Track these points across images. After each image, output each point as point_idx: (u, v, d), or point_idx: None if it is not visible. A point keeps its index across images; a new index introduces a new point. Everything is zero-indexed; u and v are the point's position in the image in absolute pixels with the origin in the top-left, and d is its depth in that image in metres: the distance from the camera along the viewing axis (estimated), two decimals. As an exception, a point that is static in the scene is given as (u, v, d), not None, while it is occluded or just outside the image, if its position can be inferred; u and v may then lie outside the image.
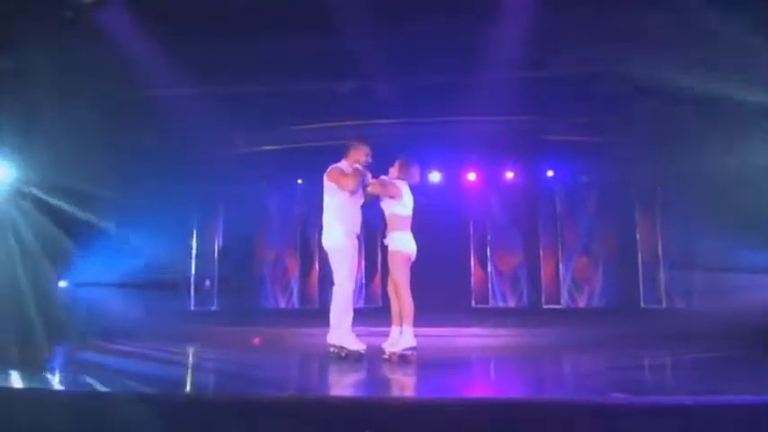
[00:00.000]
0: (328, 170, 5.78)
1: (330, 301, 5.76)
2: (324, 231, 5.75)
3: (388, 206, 5.69)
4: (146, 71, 6.96)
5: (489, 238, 10.65)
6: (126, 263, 8.31)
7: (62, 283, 8.65)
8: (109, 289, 8.39)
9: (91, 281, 8.50)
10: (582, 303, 10.03)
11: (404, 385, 4.82)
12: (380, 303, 9.80)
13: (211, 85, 7.57)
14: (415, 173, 5.86)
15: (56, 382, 4.98)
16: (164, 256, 8.64)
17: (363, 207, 5.86)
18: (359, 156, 5.85)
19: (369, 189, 5.73)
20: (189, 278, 10.16)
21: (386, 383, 4.91)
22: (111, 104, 7.51)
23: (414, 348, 5.52)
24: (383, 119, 8.81)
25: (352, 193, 5.65)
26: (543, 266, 10.33)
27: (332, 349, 5.70)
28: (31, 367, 5.35)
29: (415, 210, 5.77)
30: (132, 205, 8.61)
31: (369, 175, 5.83)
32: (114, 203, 8.43)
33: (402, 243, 5.60)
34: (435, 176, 10.19)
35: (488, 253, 10.61)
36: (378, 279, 10.20)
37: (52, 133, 7.36)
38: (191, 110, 7.63)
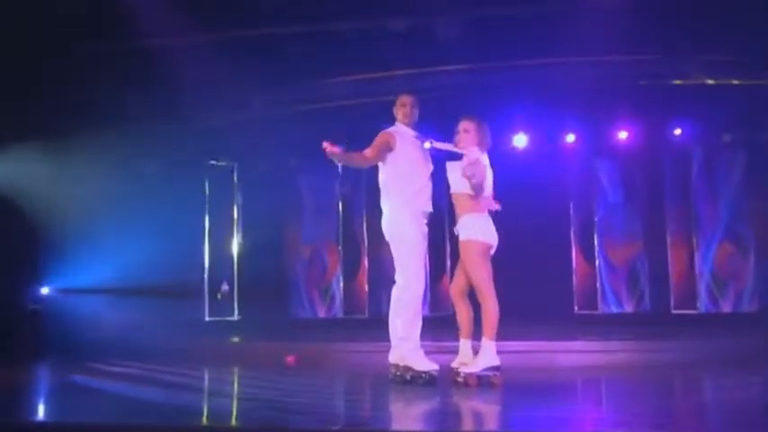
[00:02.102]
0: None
1: (389, 307, 5.86)
2: (384, 216, 5.85)
3: (457, 181, 5.70)
4: (132, 11, 7.17)
5: (596, 220, 10.51)
6: (123, 262, 8.63)
7: (44, 290, 9.08)
8: (103, 296, 8.74)
9: (80, 286, 8.88)
10: (726, 307, 9.80)
11: (486, 417, 4.88)
12: (451, 311, 9.84)
13: (220, 28, 7.72)
14: (490, 136, 5.88)
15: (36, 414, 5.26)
16: (169, 254, 8.91)
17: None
18: (400, 110, 5.96)
19: (472, 180, 5.62)
20: (202, 281, 10.45)
21: (463, 415, 4.98)
22: (92, 59, 7.78)
23: (497, 369, 5.56)
24: (448, 65, 8.79)
25: (368, 164, 5.75)
26: (672, 258, 10.14)
27: (393, 371, 5.80)
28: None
29: (496, 184, 5.79)
30: (127, 190, 8.92)
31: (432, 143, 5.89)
32: (104, 187, 8.76)
33: (478, 229, 5.61)
34: (521, 140, 10.10)
35: (596, 241, 10.48)
36: (446, 279, 10.22)
37: (27, 96, 7.72)
38: (194, 63, 7.80)
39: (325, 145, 5.41)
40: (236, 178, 10.87)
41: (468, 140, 5.75)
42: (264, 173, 10.65)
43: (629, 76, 8.82)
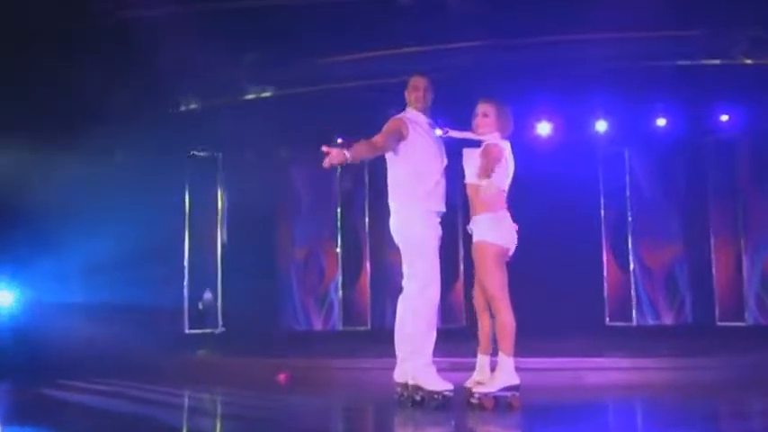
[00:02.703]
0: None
1: (395, 318, 5.82)
2: (392, 214, 5.84)
3: (474, 171, 5.66)
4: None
5: (630, 219, 10.50)
6: (92, 266, 8.62)
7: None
8: (69, 304, 8.73)
9: (44, 293, 8.87)
10: (779, 318, 9.80)
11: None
12: (464, 322, 9.83)
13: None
14: (511, 122, 5.85)
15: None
16: (145, 257, 8.90)
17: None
18: (412, 94, 5.94)
19: (480, 172, 5.57)
20: (181, 288, 10.44)
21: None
22: (58, 34, 7.77)
23: (516, 388, 5.53)
24: (462, 42, 8.76)
25: (377, 153, 5.70)
26: (716, 262, 10.13)
27: (400, 391, 5.78)
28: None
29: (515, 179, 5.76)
30: (97, 183, 8.91)
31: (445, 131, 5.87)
32: (71, 181, 8.75)
33: (493, 229, 5.59)
34: (544, 128, 10.11)
35: (629, 243, 10.47)
36: (459, 285, 10.22)
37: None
38: (174, 39, 7.79)
39: (326, 150, 5.33)
40: (220, 170, 10.85)
41: (488, 125, 5.71)
42: (253, 164, 10.63)
43: (669, 55, 8.78)
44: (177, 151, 10.30)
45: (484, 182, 5.51)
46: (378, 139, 5.67)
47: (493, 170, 5.53)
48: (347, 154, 5.32)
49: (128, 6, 7.58)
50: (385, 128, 5.76)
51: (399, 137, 5.74)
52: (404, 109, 5.98)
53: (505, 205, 5.68)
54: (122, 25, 7.70)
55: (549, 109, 9.98)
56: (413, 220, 5.73)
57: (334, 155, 5.30)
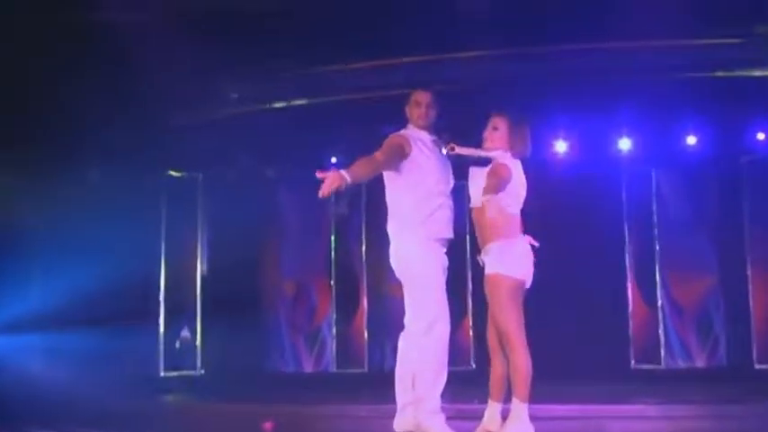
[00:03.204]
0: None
1: (397, 359, 5.77)
2: (392, 243, 5.80)
3: (479, 197, 5.64)
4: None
5: (658, 248, 10.49)
6: (56, 297, 8.59)
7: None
8: (28, 340, 8.69)
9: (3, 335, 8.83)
10: (827, 361, 9.78)
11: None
12: (473, 365, 9.79)
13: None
14: (528, 140, 5.82)
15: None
16: (116, 288, 8.87)
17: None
18: (414, 110, 5.91)
19: (483, 196, 5.55)
20: (156, 324, 10.41)
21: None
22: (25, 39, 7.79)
23: (532, 439, 5.50)
24: (469, 51, 8.80)
25: (378, 171, 5.67)
26: (754, 297, 10.11)
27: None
28: None
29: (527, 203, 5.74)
30: (65, 205, 8.91)
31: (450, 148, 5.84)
32: (37, 201, 8.75)
33: (508, 260, 5.56)
34: (562, 146, 10.10)
35: (657, 275, 10.45)
36: (467, 323, 10.19)
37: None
38: (150, 47, 7.82)
39: (321, 175, 5.21)
40: (200, 193, 10.84)
41: (497, 140, 5.69)
42: (236, 186, 10.61)
43: (701, 66, 8.81)
44: (152, 171, 10.30)
45: (486, 197, 5.45)
46: (378, 155, 5.62)
47: (499, 189, 5.49)
48: (346, 176, 5.23)
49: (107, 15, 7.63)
50: (385, 144, 5.73)
51: (401, 154, 5.71)
52: (404, 125, 5.97)
53: (521, 232, 5.65)
54: (92, 28, 7.74)
55: (568, 125, 9.99)
56: (413, 249, 5.68)
57: (331, 179, 5.20)
